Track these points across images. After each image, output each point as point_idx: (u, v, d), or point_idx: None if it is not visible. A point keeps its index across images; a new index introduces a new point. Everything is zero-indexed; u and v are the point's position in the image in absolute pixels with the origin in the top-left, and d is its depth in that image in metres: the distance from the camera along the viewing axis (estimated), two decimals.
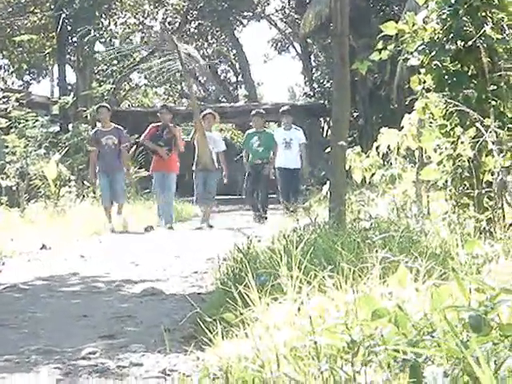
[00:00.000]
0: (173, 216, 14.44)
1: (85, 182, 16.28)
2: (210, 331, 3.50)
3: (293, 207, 11.33)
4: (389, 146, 8.81)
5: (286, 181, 14.84)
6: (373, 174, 9.25)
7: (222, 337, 3.40)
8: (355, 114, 25.85)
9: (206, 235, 12.44)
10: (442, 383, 2.24)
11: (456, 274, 2.65)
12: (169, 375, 3.70)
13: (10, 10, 25.95)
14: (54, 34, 26.35)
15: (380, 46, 6.40)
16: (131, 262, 8.64)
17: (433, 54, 6.17)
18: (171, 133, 14.39)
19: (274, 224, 9.10)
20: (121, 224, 13.68)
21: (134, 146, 17.99)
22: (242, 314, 3.48)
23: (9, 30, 26.60)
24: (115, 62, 29.44)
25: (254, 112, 15.62)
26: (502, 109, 6.07)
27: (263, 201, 14.71)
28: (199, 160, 14.27)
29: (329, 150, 7.77)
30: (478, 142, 5.72)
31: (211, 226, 14.00)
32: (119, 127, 14.50)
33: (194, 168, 14.43)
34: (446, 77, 6.16)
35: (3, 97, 16.53)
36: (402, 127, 8.45)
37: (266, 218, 14.03)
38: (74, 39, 26.90)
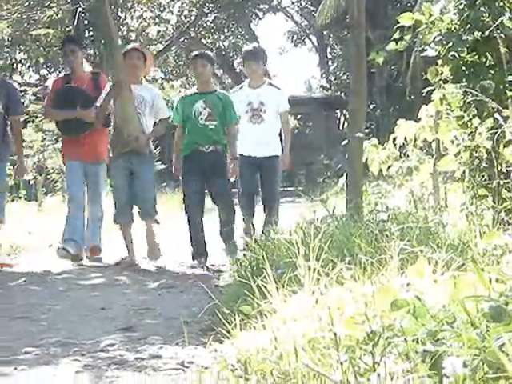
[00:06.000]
0: (101, 238, 8.41)
1: None
2: (228, 323, 3.50)
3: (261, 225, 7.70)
4: (406, 137, 8.79)
5: (251, 179, 8.26)
6: (389, 166, 9.23)
7: (240, 329, 3.40)
8: (372, 106, 25.82)
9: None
10: (461, 373, 2.23)
11: (476, 264, 2.64)
12: (187, 367, 3.70)
13: (27, 4, 25.99)
14: (70, 28, 26.42)
15: (396, 36, 6.38)
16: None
17: (450, 44, 6.14)
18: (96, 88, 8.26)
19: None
20: None
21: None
22: (259, 305, 3.48)
23: (26, 24, 26.63)
24: None
25: (195, 53, 8.40)
26: None
27: (225, 221, 7.83)
28: (118, 135, 7.98)
29: (345, 142, 7.76)
30: (495, 132, 5.70)
31: (159, 267, 7.79)
32: (10, 82, 8.96)
33: (110, 153, 8.22)
34: (464, 68, 6.13)
35: (20, 91, 16.54)
36: (419, 119, 8.43)
37: (235, 249, 7.70)
38: (91, 33, 27.00)
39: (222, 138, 7.94)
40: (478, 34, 6.07)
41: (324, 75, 35.09)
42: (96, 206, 8.32)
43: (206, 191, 7.98)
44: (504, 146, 5.86)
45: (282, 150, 8.44)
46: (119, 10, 27.27)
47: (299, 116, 37.64)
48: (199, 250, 7.78)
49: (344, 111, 31.20)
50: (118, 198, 8.03)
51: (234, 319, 3.41)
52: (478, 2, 6.02)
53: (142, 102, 8.00)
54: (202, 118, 7.86)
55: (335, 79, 33.03)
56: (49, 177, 15.62)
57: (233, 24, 35.54)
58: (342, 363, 2.50)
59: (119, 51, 8.09)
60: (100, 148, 8.30)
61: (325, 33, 33.92)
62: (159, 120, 8.24)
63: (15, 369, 3.77)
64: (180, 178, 8.19)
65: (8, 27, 26.20)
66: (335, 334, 2.66)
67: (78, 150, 8.22)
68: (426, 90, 6.71)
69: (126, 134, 7.84)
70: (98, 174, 8.31)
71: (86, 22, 26.25)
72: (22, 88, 16.87)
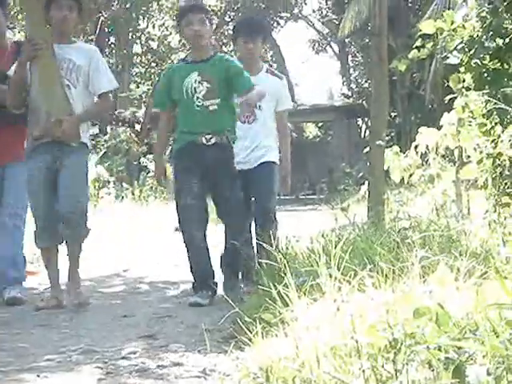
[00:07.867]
0: (24, 266, 6.31)
1: (123, 184, 16.34)
2: (249, 331, 3.49)
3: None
4: (427, 145, 8.76)
5: (244, 192, 5.97)
6: (411, 174, 9.20)
7: (262, 336, 3.40)
8: (393, 114, 25.78)
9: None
10: (484, 382, 2.22)
11: (498, 272, 2.63)
12: (209, 375, 3.70)
13: None
14: (92, 36, 26.61)
15: (418, 43, 6.37)
16: (170, 262, 8.69)
17: (472, 52, 6.12)
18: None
19: None
20: None
21: None
22: (281, 313, 3.48)
23: None
24: (153, 64, 29.60)
25: (188, 5, 7.06)
26: None
27: (231, 253, 5.85)
28: (35, 117, 5.50)
29: (367, 150, 7.75)
30: None
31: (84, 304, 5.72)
32: None
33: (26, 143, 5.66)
34: (486, 75, 6.11)
35: None
36: (441, 126, 8.40)
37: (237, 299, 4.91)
38: (112, 41, 27.16)
39: (227, 123, 5.80)
40: (500, 41, 6.05)
41: (345, 83, 35.07)
42: (15, 222, 6.06)
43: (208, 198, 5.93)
44: None
45: (280, 161, 6.37)
46: (140, 18, 27.41)
47: (321, 124, 37.66)
48: (204, 280, 5.81)
49: (366, 119, 31.18)
50: (38, 211, 5.67)
51: (256, 327, 3.41)
52: (500, 9, 6.00)
53: (71, 69, 5.54)
54: (198, 97, 5.69)
55: (357, 87, 33.02)
56: None
57: None
58: (363, 371, 2.50)
59: None
60: (17, 143, 5.91)
61: (346, 40, 33.91)
62: (100, 95, 5.71)
63: (38, 376, 3.78)
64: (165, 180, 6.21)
65: None
66: (357, 342, 2.65)
67: None
68: (447, 98, 6.69)
69: (44, 116, 5.41)
70: (16, 178, 5.95)
71: (107, 30, 26.39)
72: None
